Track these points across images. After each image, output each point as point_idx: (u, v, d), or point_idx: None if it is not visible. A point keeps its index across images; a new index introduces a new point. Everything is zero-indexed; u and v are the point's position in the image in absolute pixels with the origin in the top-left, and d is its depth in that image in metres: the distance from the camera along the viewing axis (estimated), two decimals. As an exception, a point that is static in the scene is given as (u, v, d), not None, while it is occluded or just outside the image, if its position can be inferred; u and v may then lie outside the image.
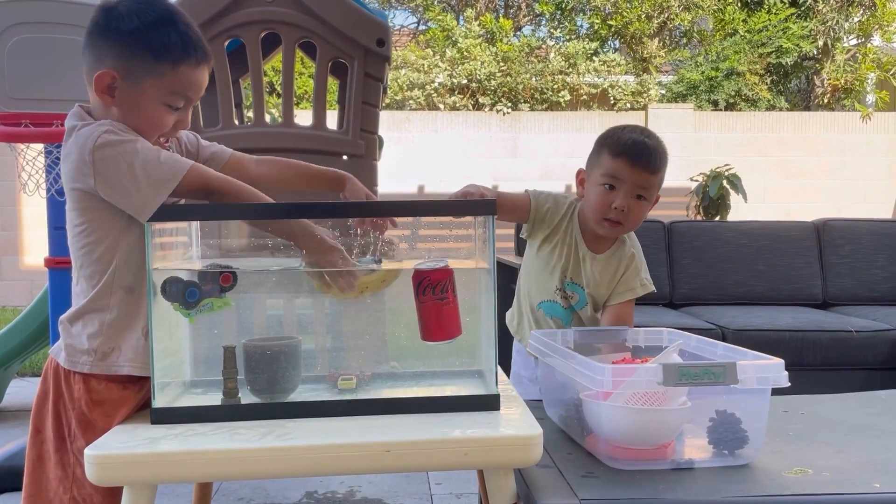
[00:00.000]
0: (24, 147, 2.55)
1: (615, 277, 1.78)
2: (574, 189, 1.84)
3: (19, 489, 2.48)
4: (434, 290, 1.24)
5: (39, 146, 2.55)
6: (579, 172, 1.80)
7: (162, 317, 1.20)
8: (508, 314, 1.95)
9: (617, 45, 10.09)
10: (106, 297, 1.21)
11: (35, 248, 7.20)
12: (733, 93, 8.87)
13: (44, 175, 2.54)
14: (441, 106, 8.32)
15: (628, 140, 1.69)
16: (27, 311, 3.29)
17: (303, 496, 2.43)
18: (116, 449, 1.06)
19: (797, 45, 8.96)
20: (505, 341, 3.07)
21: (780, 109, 9.00)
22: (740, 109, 8.82)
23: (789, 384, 1.19)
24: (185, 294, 1.17)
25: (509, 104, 8.30)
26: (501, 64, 8.59)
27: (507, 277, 3.12)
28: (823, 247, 3.79)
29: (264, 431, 1.11)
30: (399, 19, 15.25)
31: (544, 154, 7.68)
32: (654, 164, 1.68)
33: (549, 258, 1.80)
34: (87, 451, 1.04)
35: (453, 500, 2.42)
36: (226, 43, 2.86)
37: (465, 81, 8.44)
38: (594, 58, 8.90)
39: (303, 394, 1.28)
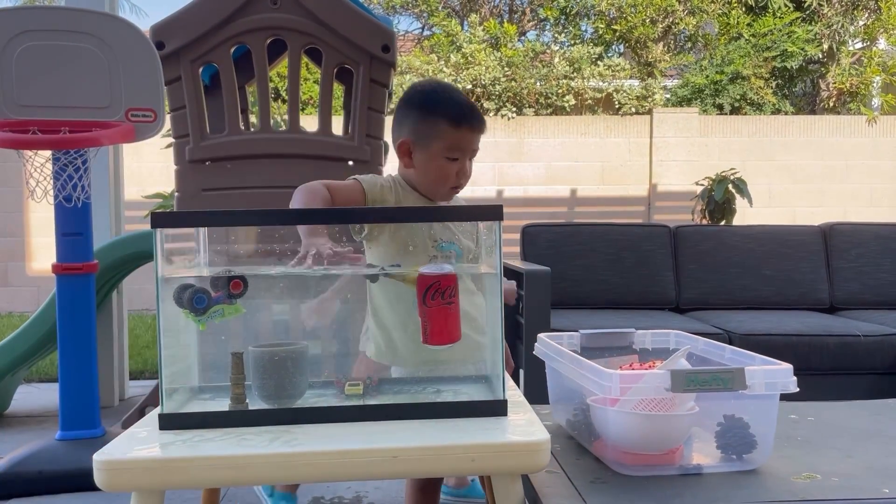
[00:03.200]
0: (31, 154, 2.56)
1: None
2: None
3: (26, 495, 2.50)
4: (443, 294, 1.25)
5: (47, 153, 2.56)
6: (403, 143, 1.66)
7: (170, 322, 1.20)
8: None
9: (621, 50, 10.09)
10: None
11: (41, 255, 7.23)
12: (738, 97, 8.87)
13: (51, 182, 2.55)
14: (446, 111, 8.33)
15: (462, 105, 1.64)
16: (34, 317, 3.31)
17: (310, 501, 2.43)
18: (124, 455, 1.06)
19: (802, 49, 8.95)
20: (514, 351, 3.05)
21: (786, 113, 8.99)
22: (745, 113, 8.81)
23: (798, 390, 1.19)
24: (194, 300, 1.18)
25: (514, 109, 8.31)
26: (506, 69, 8.60)
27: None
28: (830, 251, 3.77)
29: (272, 437, 1.11)
30: (404, 25, 15.30)
31: (549, 158, 7.69)
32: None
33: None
34: (95, 457, 1.04)
35: (460, 506, 2.42)
36: (232, 49, 2.87)
37: (469, 86, 8.45)
38: (599, 62, 8.91)
39: (310, 399, 1.28)
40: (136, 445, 1.10)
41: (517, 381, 2.90)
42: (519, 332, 3.01)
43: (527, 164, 7.70)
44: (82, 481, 2.41)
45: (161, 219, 1.15)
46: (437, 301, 1.25)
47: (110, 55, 2.51)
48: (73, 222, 2.59)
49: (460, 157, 1.64)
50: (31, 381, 4.19)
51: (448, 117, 1.60)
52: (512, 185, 7.64)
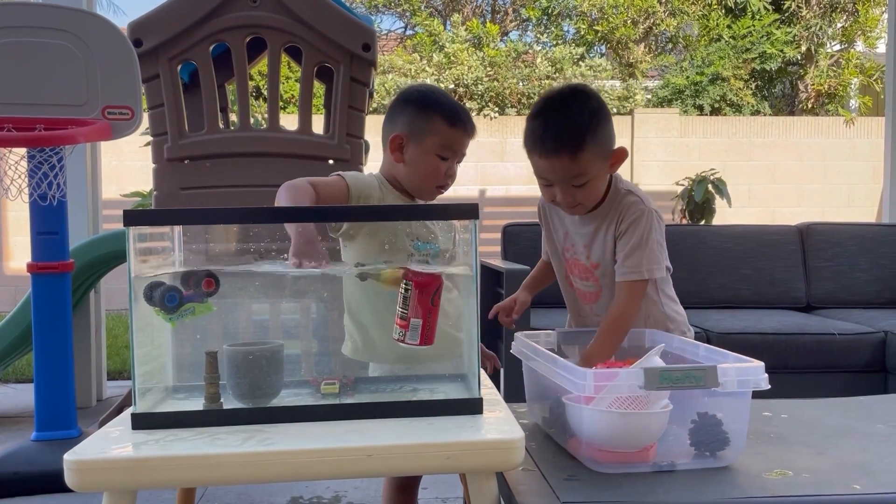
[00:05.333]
0: (6, 151, 2.53)
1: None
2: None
3: (1, 497, 2.47)
4: (440, 294, 1.25)
5: (22, 150, 2.53)
6: (396, 137, 1.63)
7: (143, 322, 1.19)
8: None
9: (603, 50, 10.15)
10: None
11: (18, 254, 7.15)
12: (718, 98, 8.94)
13: (26, 180, 2.52)
14: (428, 110, 8.35)
15: (458, 106, 1.64)
16: (9, 316, 3.27)
17: (288, 501, 2.42)
18: (95, 454, 1.05)
19: (781, 51, 9.05)
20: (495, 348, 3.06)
21: (765, 114, 9.08)
22: (725, 114, 8.89)
23: (769, 387, 1.20)
24: (165, 299, 1.17)
25: (496, 109, 8.33)
26: (488, 69, 8.62)
27: (492, 281, 3.13)
28: (807, 250, 3.81)
29: (246, 436, 1.11)
30: (386, 24, 15.28)
31: (531, 158, 7.70)
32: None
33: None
34: (65, 457, 1.03)
35: (439, 505, 2.42)
36: (211, 47, 2.85)
37: (452, 86, 8.46)
38: (581, 62, 8.96)
39: (285, 398, 1.28)
40: (108, 445, 1.09)
41: (497, 380, 2.90)
42: (500, 331, 3.02)
43: (509, 164, 7.71)
44: (57, 483, 2.37)
45: (133, 217, 1.15)
46: (440, 301, 1.25)
47: (87, 52, 2.48)
48: (48, 221, 2.56)
49: (450, 158, 1.65)
50: (7, 382, 4.14)
51: (445, 115, 1.63)
52: (494, 184, 7.66)
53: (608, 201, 1.64)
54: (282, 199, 1.48)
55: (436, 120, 1.62)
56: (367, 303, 1.53)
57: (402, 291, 1.25)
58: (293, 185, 1.52)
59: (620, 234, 1.61)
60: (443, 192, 1.71)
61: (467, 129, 1.66)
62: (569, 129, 1.52)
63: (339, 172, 1.64)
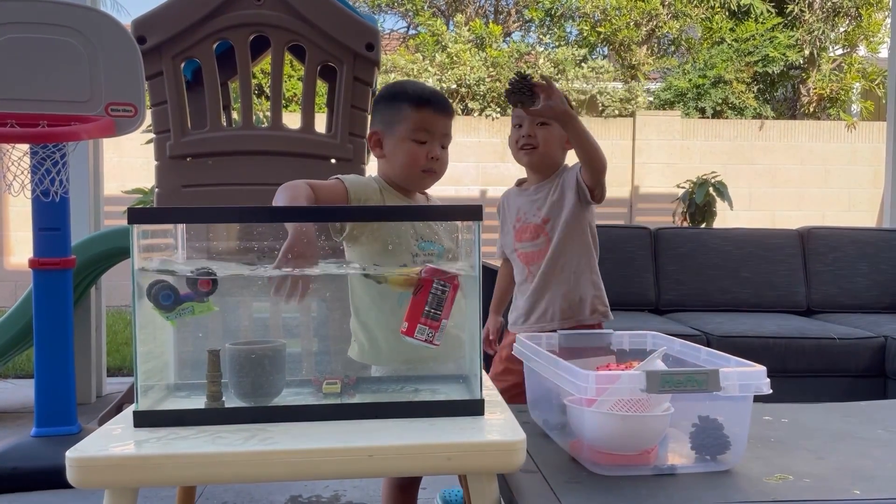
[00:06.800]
0: (9, 147, 2.53)
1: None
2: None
3: (1, 492, 2.47)
4: None
5: (25, 146, 2.53)
6: (373, 135, 1.69)
7: (146, 319, 1.19)
8: None
9: (606, 52, 10.15)
10: None
11: (20, 249, 7.15)
12: (720, 101, 8.94)
13: (29, 176, 2.52)
14: (430, 110, 8.34)
15: (424, 89, 1.77)
16: (10, 312, 3.27)
17: (287, 500, 2.43)
18: (97, 452, 1.05)
19: (783, 55, 9.05)
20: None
21: (766, 118, 9.07)
22: (727, 117, 8.89)
23: (771, 391, 1.20)
24: (160, 297, 1.17)
25: (498, 109, 8.33)
26: (491, 69, 8.62)
27: (491, 282, 3.13)
28: (807, 254, 3.82)
29: (247, 435, 1.11)
30: (389, 24, 15.30)
31: (533, 159, 7.70)
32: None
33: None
34: (68, 454, 1.03)
35: (438, 505, 2.42)
36: (215, 45, 2.86)
37: (454, 86, 8.46)
38: (583, 64, 8.95)
39: (287, 398, 1.28)
40: (109, 443, 1.09)
41: (497, 381, 2.90)
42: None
43: (510, 165, 7.70)
44: (57, 478, 2.38)
45: (137, 215, 1.15)
46: None
47: (91, 49, 2.49)
48: (50, 217, 2.56)
49: (428, 140, 1.63)
50: (7, 377, 4.14)
51: (409, 100, 1.64)
52: (495, 185, 7.65)
53: (555, 175, 2.07)
54: (279, 199, 1.48)
55: (403, 107, 1.63)
56: (373, 305, 1.53)
57: (437, 292, 1.24)
58: (291, 186, 1.52)
59: (568, 177, 2.02)
60: (434, 178, 1.68)
61: (436, 108, 1.64)
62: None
63: (338, 176, 1.64)
